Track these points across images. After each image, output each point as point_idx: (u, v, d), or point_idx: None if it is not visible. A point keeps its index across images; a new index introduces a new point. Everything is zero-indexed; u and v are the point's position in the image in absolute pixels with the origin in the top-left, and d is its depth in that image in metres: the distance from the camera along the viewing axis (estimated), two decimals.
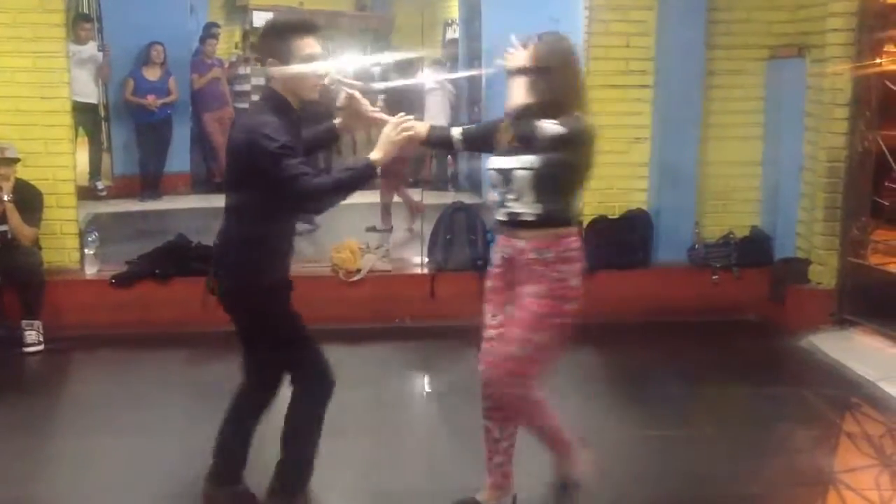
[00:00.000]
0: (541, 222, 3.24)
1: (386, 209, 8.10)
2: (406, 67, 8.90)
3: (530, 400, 3.37)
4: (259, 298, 3.43)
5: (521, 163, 3.20)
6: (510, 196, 3.26)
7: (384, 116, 3.42)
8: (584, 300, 5.75)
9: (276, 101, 3.27)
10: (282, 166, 3.09)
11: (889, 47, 5.66)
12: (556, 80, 3.20)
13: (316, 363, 3.57)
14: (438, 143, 3.66)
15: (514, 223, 3.28)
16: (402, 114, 3.34)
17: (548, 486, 3.60)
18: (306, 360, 3.55)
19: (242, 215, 3.35)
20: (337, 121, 3.56)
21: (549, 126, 3.12)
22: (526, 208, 3.24)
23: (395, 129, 3.29)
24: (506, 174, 3.25)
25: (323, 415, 3.60)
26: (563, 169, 3.19)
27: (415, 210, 8.02)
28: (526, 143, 3.19)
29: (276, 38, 3.26)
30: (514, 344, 3.26)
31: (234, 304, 3.48)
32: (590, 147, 3.25)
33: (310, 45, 3.24)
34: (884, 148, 5.61)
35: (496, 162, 3.32)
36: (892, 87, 5.64)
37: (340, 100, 3.47)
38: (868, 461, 4.18)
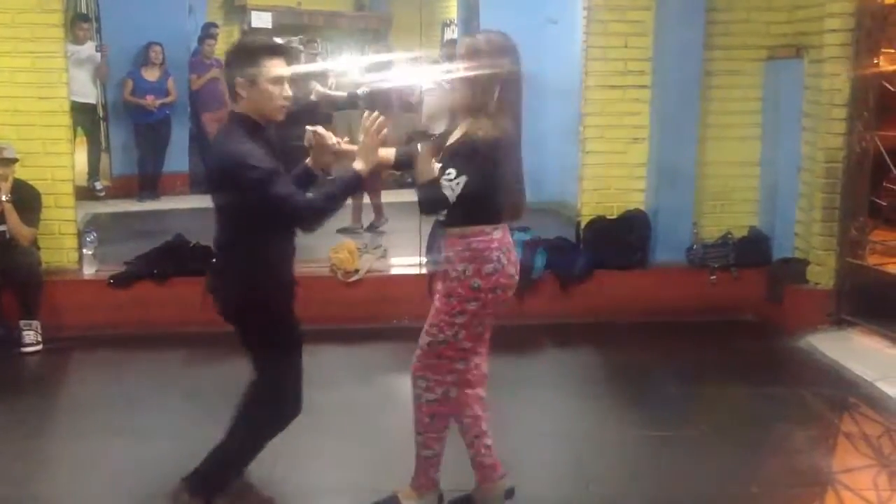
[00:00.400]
0: (449, 223, 3.31)
1: (358, 209, 8.13)
2: (404, 67, 8.90)
3: (421, 401, 3.43)
4: (258, 309, 3.40)
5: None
6: None
7: (351, 147, 3.43)
8: (583, 300, 5.78)
9: (247, 124, 3.27)
10: (271, 194, 3.12)
11: (886, 48, 5.66)
12: (468, 83, 3.23)
13: (286, 388, 3.52)
14: (408, 163, 3.50)
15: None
16: (372, 113, 3.32)
17: None
18: (281, 378, 3.50)
19: (238, 229, 3.35)
20: (308, 161, 3.51)
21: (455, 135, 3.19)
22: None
23: (370, 135, 3.29)
24: None
25: (264, 436, 3.57)
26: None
27: (380, 214, 8.19)
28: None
29: (245, 60, 3.25)
30: (421, 339, 3.39)
31: (235, 314, 3.45)
32: (484, 158, 3.19)
33: (278, 66, 3.24)
34: (881, 148, 5.61)
35: None
36: (890, 87, 5.64)
37: (307, 139, 3.45)
38: (866, 461, 4.19)
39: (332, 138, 3.45)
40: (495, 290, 3.30)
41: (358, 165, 3.28)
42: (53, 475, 4.06)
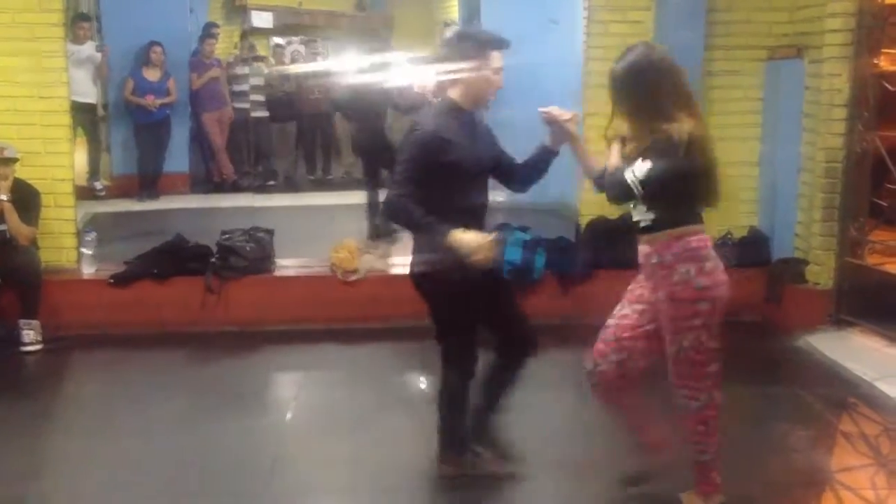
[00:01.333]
0: (659, 227, 3.36)
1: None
2: (406, 67, 8.89)
3: (690, 410, 3.47)
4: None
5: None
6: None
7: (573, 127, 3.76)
8: (583, 300, 5.77)
9: (452, 107, 3.62)
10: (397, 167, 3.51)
11: (887, 48, 5.66)
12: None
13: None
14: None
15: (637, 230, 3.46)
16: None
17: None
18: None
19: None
20: (546, 140, 3.79)
21: None
22: (641, 216, 3.41)
23: (484, 248, 3.37)
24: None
25: (458, 392, 3.80)
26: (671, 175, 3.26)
27: None
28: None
29: (474, 48, 3.56)
30: (668, 351, 3.42)
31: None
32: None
33: (499, 59, 3.59)
34: (881, 148, 5.61)
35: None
36: (890, 87, 5.64)
37: (543, 119, 3.72)
38: (864, 461, 4.19)
39: (565, 115, 3.69)
40: (719, 286, 3.35)
41: (452, 238, 3.38)
42: (54, 473, 4.06)
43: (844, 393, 4.95)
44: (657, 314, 3.44)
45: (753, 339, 5.89)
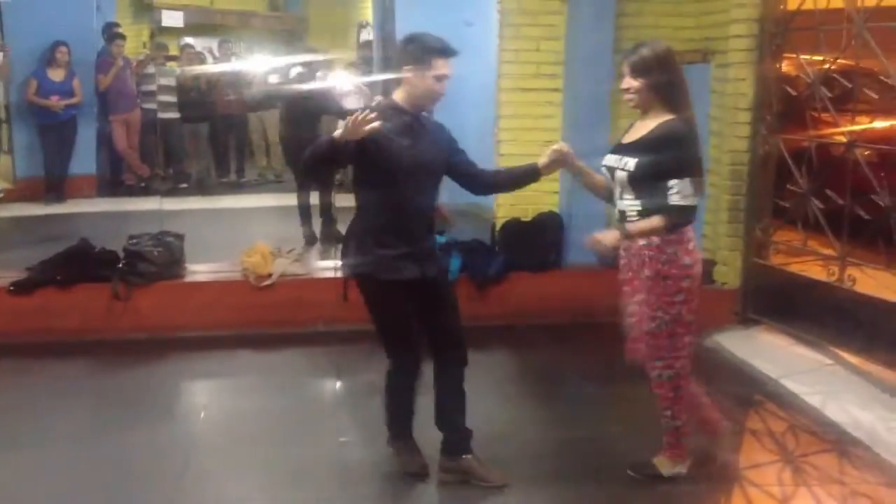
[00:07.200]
0: (645, 214, 3.62)
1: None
2: (320, 69, 8.81)
3: (663, 378, 3.78)
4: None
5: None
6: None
7: (584, 166, 3.88)
8: (498, 302, 5.79)
9: (392, 108, 3.65)
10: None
11: (789, 53, 5.82)
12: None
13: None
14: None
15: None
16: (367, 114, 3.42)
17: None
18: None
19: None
20: (540, 162, 3.82)
21: None
22: (628, 204, 3.69)
23: (357, 122, 3.36)
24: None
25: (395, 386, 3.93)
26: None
27: None
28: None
29: (418, 53, 3.59)
30: (643, 327, 3.71)
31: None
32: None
33: (444, 66, 3.62)
34: (784, 151, 5.76)
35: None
36: (793, 91, 5.80)
37: (552, 152, 3.78)
38: (771, 457, 4.29)
39: (573, 155, 3.79)
40: (699, 263, 3.67)
41: (336, 133, 3.42)
42: None
43: (751, 390, 5.07)
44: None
45: None
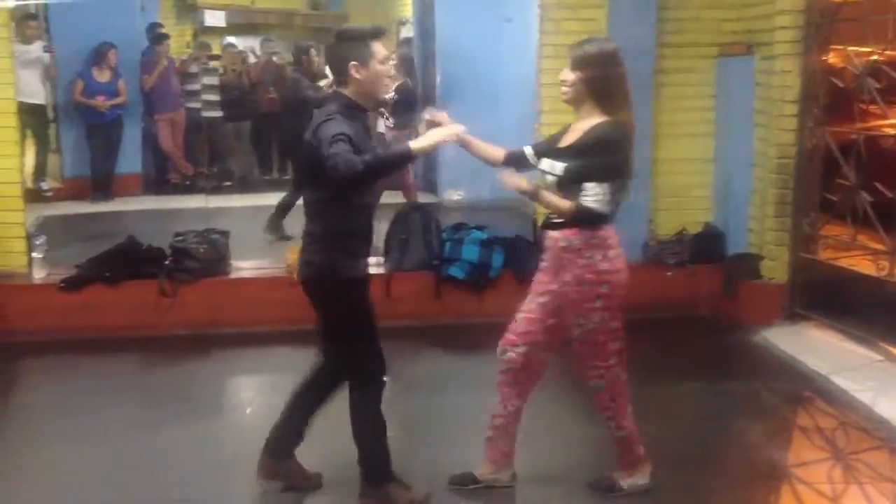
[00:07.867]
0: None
1: None
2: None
3: (599, 389, 3.66)
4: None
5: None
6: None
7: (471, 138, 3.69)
8: None
9: (348, 105, 3.44)
10: (330, 150, 3.21)
11: (836, 45, 5.73)
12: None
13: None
14: (515, 161, 3.82)
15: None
16: (461, 127, 3.51)
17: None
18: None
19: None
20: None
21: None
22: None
23: (445, 133, 3.40)
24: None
25: (378, 408, 3.70)
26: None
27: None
28: None
29: (356, 44, 3.43)
30: (572, 335, 3.61)
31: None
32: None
33: (384, 49, 3.47)
34: (831, 144, 5.68)
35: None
36: (840, 83, 5.71)
37: (425, 120, 3.64)
38: (821, 455, 4.23)
39: (446, 119, 3.58)
40: (619, 271, 3.54)
41: (414, 144, 3.37)
42: (2, 482, 3.97)
43: (800, 387, 5.01)
44: (558, 306, 3.59)
45: (710, 335, 5.94)
